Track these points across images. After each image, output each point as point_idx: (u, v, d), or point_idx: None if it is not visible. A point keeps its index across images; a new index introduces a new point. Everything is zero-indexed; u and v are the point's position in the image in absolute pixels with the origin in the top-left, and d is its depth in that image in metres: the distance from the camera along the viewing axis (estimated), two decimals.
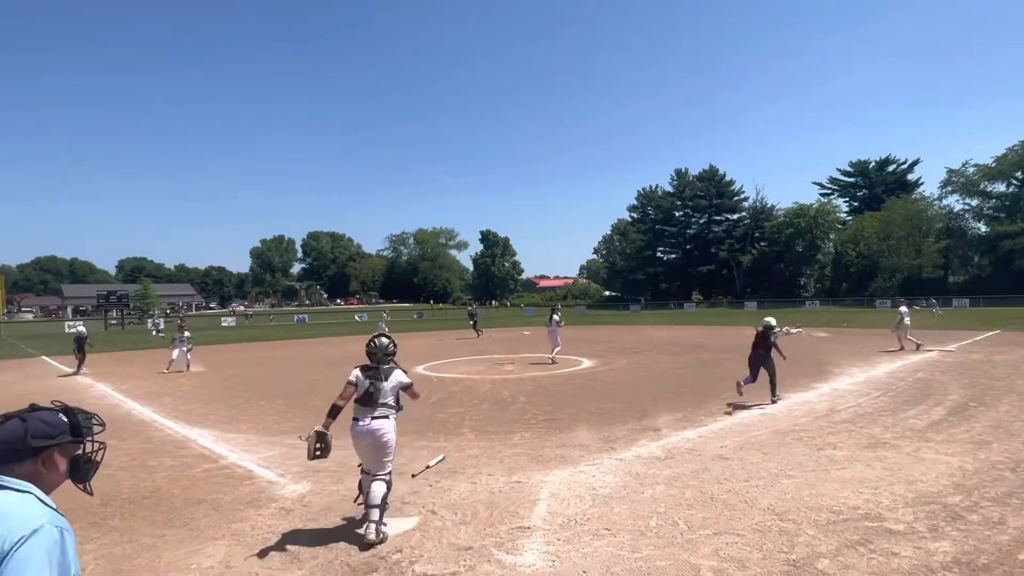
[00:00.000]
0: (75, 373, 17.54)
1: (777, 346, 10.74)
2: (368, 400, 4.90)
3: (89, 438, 1.80)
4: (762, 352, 10.69)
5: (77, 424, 1.76)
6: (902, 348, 18.02)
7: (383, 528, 4.71)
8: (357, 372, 4.98)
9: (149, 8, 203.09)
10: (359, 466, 5.10)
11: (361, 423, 4.89)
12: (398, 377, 5.07)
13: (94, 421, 1.84)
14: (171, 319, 63.52)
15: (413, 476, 6.19)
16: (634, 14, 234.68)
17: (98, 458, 1.84)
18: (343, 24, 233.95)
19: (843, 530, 4.62)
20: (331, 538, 4.80)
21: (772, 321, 11.04)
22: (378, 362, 5.05)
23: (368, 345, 5.16)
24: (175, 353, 17.84)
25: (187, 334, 18.34)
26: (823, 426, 8.40)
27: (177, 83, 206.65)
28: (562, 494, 5.72)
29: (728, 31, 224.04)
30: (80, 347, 18.23)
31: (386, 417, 4.92)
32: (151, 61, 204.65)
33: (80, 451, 1.78)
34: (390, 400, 4.97)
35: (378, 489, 4.78)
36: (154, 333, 37.15)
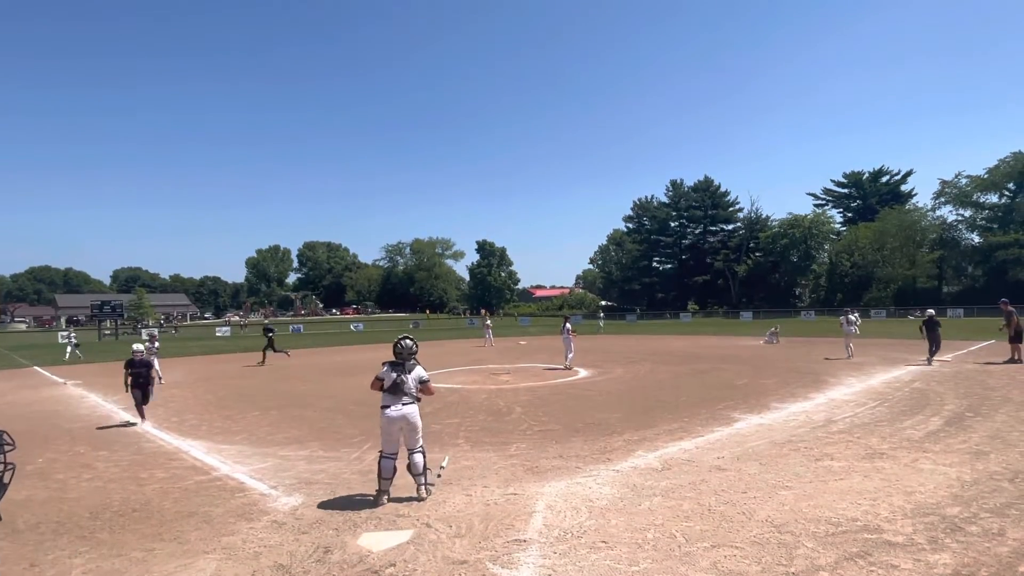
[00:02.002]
0: (141, 420, 10.97)
1: (939, 324, 17.68)
2: (396, 390, 5.94)
3: (2, 456, 1.63)
4: (933, 334, 17.28)
5: None
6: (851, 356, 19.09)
7: (430, 487, 6.04)
8: (385, 368, 6.04)
9: (144, 16, 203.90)
10: (379, 451, 5.97)
11: (392, 408, 5.89)
12: (418, 372, 6.12)
13: (4, 439, 1.68)
14: (165, 329, 63.27)
15: (438, 476, 6.51)
16: (629, 25, 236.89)
17: (6, 480, 1.68)
18: (339, 34, 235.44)
19: (842, 542, 4.58)
20: (323, 551, 4.72)
21: (932, 311, 18.33)
22: (402, 359, 6.08)
23: (395, 346, 6.20)
24: (156, 364, 17.52)
25: (156, 344, 18.07)
26: (820, 436, 8.37)
27: (172, 92, 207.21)
28: (558, 506, 5.66)
29: (724, 39, 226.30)
30: (144, 377, 10.89)
31: (412, 403, 5.99)
32: (146, 70, 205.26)
33: None
34: (413, 391, 6.01)
35: (418, 459, 5.95)
36: (69, 350, 28.58)
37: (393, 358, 6.18)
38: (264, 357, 23.46)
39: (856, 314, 20.62)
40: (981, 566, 4.10)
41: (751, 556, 4.38)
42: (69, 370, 22.61)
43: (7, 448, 1.53)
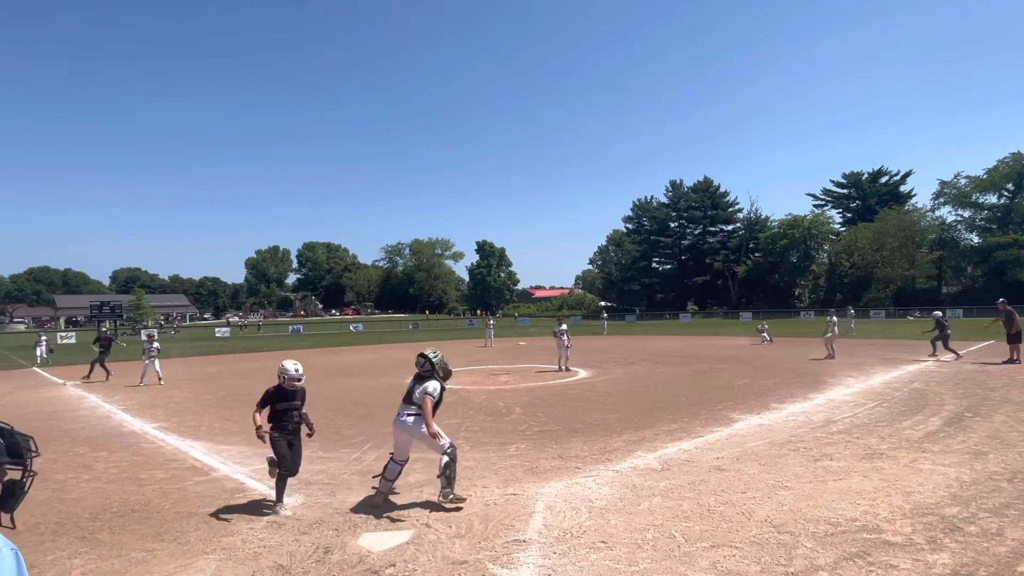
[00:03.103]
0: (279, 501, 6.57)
1: (946, 325, 18.90)
2: (407, 399, 5.95)
3: (28, 462, 1.59)
4: (941, 333, 18.52)
5: (16, 446, 1.57)
6: (829, 355, 19.43)
7: (451, 492, 5.72)
8: (410, 378, 6.15)
9: (142, 18, 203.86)
10: (390, 454, 6.06)
11: (400, 417, 5.92)
12: (425, 385, 5.87)
13: (29, 446, 1.63)
14: (165, 329, 63.28)
15: (438, 476, 6.40)
16: (629, 25, 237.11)
17: (27, 488, 1.63)
18: (338, 34, 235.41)
19: (841, 542, 4.59)
20: (323, 552, 4.73)
21: (939, 313, 19.99)
22: (419, 371, 6.07)
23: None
24: (157, 364, 17.54)
25: (156, 344, 18.05)
26: (820, 437, 8.38)
27: (171, 92, 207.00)
28: (558, 506, 5.67)
29: (724, 39, 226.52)
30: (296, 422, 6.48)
31: (415, 415, 5.83)
32: (145, 70, 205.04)
33: (16, 476, 1.56)
34: (419, 401, 5.83)
35: (442, 460, 5.73)
36: (39, 353, 27.67)
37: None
38: (91, 369, 19.39)
39: (836, 317, 21.22)
40: (980, 566, 4.11)
41: (750, 556, 4.39)
42: (68, 371, 22.59)
43: (31, 455, 1.49)
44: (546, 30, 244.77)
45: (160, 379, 17.44)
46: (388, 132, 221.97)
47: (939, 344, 18.59)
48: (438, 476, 5.77)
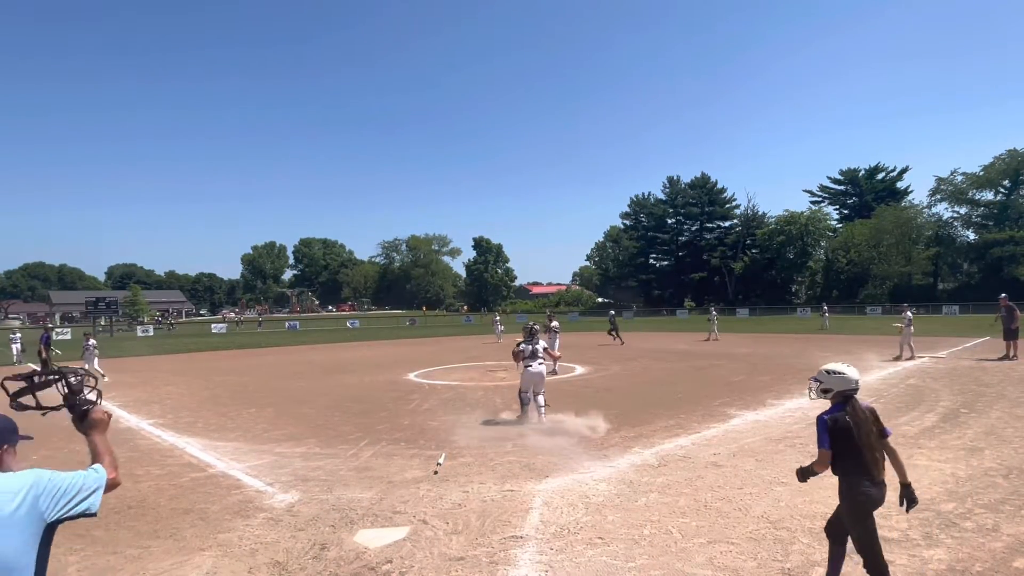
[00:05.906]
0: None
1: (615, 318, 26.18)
2: (532, 356, 9.45)
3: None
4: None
5: (80, 383, 2.23)
6: (900, 356, 17.38)
7: (544, 418, 9.38)
8: (521, 343, 9.61)
9: (138, 12, 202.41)
10: (528, 391, 9.60)
11: (529, 368, 9.43)
12: (541, 343, 9.63)
13: (79, 374, 2.25)
14: (161, 325, 63.11)
15: (435, 473, 6.77)
16: (627, 24, 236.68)
17: (91, 396, 2.20)
18: (335, 29, 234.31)
19: None
20: (320, 548, 4.72)
21: (613, 312, 28.55)
22: (530, 336, 9.60)
23: (524, 329, 9.85)
24: (96, 363, 17.20)
25: (92, 341, 17.86)
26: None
27: (168, 88, 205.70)
28: (555, 503, 5.67)
29: (722, 37, 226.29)
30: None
31: (541, 363, 9.51)
32: (141, 66, 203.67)
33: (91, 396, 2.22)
34: (541, 354, 9.52)
35: (541, 400, 9.54)
36: (14, 352, 26.83)
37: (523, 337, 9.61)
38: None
39: (911, 312, 18.30)
40: (975, 561, 4.13)
41: (747, 552, 4.40)
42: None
43: (90, 381, 1.93)
44: (544, 27, 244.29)
45: (103, 375, 17.02)
46: (385, 128, 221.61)
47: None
48: (542, 407, 9.46)
